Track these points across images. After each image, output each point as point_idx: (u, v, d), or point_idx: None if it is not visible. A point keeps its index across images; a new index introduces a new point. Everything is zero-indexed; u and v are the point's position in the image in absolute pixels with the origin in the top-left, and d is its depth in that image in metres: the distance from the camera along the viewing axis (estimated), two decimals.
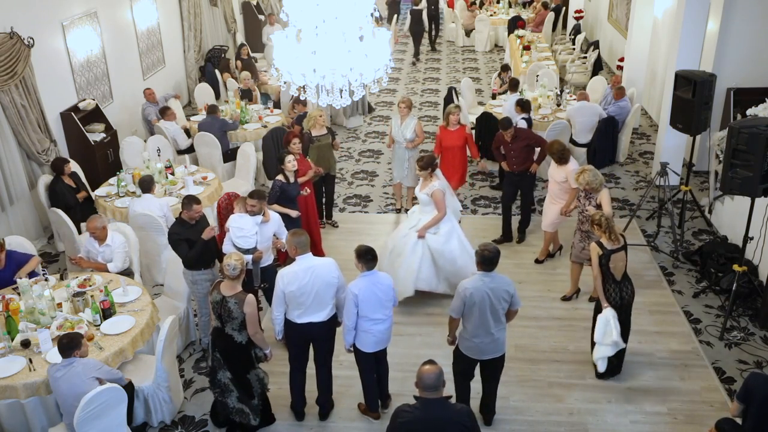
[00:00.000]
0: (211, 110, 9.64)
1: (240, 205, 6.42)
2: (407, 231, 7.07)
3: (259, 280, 6.40)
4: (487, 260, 5.02)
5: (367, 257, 5.23)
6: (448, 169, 8.38)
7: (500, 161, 8.34)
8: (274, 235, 6.50)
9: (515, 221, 8.47)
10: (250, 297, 5.07)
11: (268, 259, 6.46)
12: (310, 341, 5.51)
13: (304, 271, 5.23)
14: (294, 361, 5.58)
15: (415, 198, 7.59)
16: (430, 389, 3.93)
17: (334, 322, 5.48)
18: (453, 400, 4.14)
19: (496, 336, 5.17)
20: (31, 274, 6.25)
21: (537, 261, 7.94)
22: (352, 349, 5.45)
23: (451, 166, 8.42)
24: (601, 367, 5.91)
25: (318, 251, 7.80)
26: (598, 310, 5.93)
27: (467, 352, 5.26)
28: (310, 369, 5.67)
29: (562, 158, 7.27)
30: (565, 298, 7.21)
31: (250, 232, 6.25)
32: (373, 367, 5.55)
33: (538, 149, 8.09)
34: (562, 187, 7.39)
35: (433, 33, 18.12)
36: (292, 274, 5.23)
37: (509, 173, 8.15)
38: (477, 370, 5.43)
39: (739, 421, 4.80)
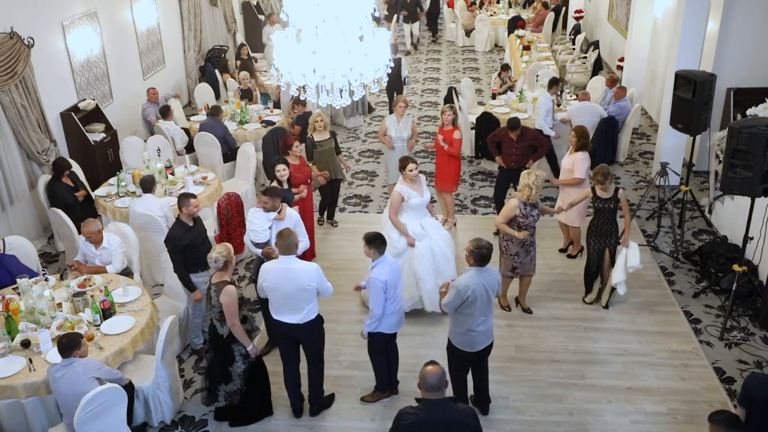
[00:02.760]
0: (214, 112, 9.59)
1: (258, 199, 6.49)
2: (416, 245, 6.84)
3: None
4: (485, 257, 5.19)
5: (377, 242, 5.36)
6: (441, 169, 8.45)
7: (494, 154, 8.36)
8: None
9: None
10: (229, 288, 5.12)
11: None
12: (296, 339, 5.54)
13: (279, 270, 5.27)
14: (282, 356, 5.64)
15: None
16: (433, 389, 3.95)
17: (313, 325, 5.44)
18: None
19: (490, 325, 5.40)
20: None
21: (570, 256, 7.99)
22: (367, 336, 5.53)
23: (445, 166, 8.42)
24: (623, 290, 6.88)
25: (310, 250, 7.80)
26: (598, 258, 6.92)
27: (463, 347, 5.37)
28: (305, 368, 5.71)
29: (584, 145, 7.54)
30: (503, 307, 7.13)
31: (260, 228, 6.30)
32: (385, 350, 5.70)
33: (538, 149, 8.14)
34: (567, 177, 7.56)
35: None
36: (268, 270, 5.32)
37: (504, 169, 8.21)
38: None
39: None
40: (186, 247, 6.08)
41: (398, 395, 5.90)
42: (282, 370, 5.70)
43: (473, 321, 5.23)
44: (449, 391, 5.60)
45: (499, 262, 6.81)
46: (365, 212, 9.31)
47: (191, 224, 6.18)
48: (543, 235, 8.09)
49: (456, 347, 5.39)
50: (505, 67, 12.22)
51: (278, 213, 6.34)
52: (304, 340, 5.52)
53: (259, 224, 6.30)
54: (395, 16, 18.47)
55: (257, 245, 6.32)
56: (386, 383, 5.83)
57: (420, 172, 6.84)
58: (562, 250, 8.05)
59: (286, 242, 5.29)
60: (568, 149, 7.78)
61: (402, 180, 6.78)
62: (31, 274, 6.27)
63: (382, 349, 5.68)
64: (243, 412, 5.64)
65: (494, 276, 5.32)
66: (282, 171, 7.07)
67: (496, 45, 18.28)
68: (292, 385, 5.69)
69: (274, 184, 7.10)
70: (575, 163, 7.48)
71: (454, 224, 8.70)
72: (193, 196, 6.25)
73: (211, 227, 7.74)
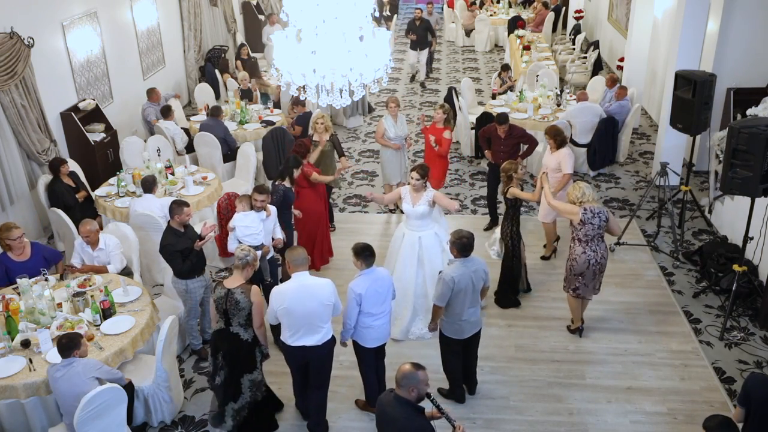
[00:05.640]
0: (214, 112, 9.59)
1: (243, 203, 6.46)
2: (420, 256, 6.57)
3: (269, 273, 6.50)
4: (467, 247, 5.34)
5: (365, 254, 5.24)
6: (432, 166, 8.45)
7: (484, 148, 8.46)
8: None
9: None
10: (256, 287, 5.12)
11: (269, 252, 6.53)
12: (307, 363, 5.30)
13: (296, 289, 5.01)
14: (294, 382, 5.50)
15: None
16: (397, 384, 4.08)
17: (330, 345, 5.23)
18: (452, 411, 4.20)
19: (477, 313, 5.55)
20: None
21: (543, 258, 7.99)
22: (347, 343, 5.48)
23: (431, 163, 8.34)
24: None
25: (326, 254, 7.84)
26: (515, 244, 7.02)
27: (453, 335, 5.54)
28: None
29: (563, 141, 7.59)
30: (572, 330, 6.81)
31: (257, 229, 6.34)
32: (374, 363, 5.58)
33: (525, 146, 8.21)
34: (554, 177, 7.54)
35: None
36: (284, 291, 5.05)
37: (494, 166, 8.24)
38: None
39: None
40: (181, 253, 6.03)
41: None
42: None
43: (461, 310, 5.38)
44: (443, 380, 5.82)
45: (564, 280, 6.57)
46: (365, 212, 9.31)
47: (182, 230, 6.12)
48: (543, 235, 8.10)
49: (446, 336, 5.58)
50: (505, 67, 12.23)
51: (265, 211, 6.41)
52: (318, 363, 5.25)
53: (255, 226, 6.32)
54: (395, 16, 18.47)
55: (254, 248, 6.29)
56: (376, 399, 5.74)
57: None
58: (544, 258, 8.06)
59: (299, 258, 5.08)
60: (547, 149, 7.85)
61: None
62: (57, 257, 6.56)
63: (372, 363, 5.57)
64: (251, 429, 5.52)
65: (480, 266, 5.44)
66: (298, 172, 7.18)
67: (496, 45, 18.29)
68: (303, 395, 5.58)
69: (285, 182, 7.08)
70: (562, 160, 7.50)
71: None
72: (186, 204, 6.19)
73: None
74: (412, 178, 6.57)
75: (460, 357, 5.71)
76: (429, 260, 6.56)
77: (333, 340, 5.25)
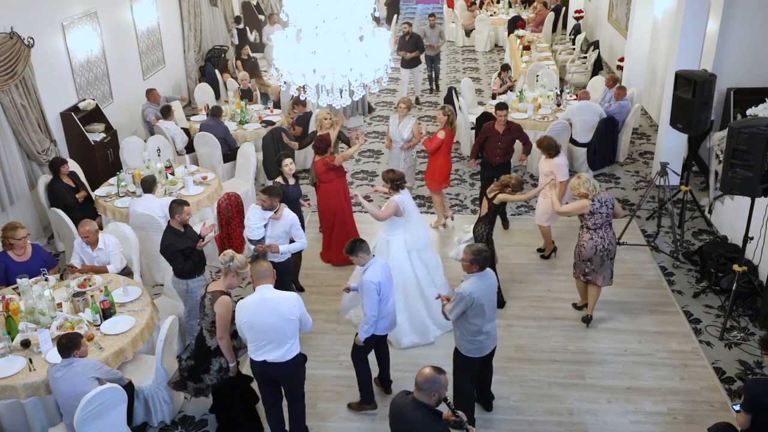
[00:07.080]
0: (215, 112, 9.60)
1: (258, 197, 6.53)
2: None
3: None
4: (483, 261, 5.13)
5: (358, 245, 5.30)
6: (428, 166, 8.54)
7: (474, 154, 8.49)
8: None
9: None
10: (225, 298, 4.97)
11: (277, 256, 6.41)
12: (275, 379, 5.14)
13: (257, 303, 4.83)
14: (264, 400, 5.27)
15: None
16: (417, 386, 4.04)
17: (296, 364, 5.01)
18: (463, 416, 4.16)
19: (494, 328, 5.35)
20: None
21: (543, 256, 8.00)
22: (363, 342, 5.45)
23: (430, 163, 8.48)
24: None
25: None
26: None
27: (473, 354, 5.25)
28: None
29: (556, 152, 7.58)
30: (578, 306, 7.01)
31: (254, 225, 6.35)
32: (367, 353, 5.61)
33: (523, 144, 8.29)
34: (543, 181, 7.55)
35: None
36: (246, 305, 4.85)
37: (488, 165, 8.28)
38: None
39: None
40: (182, 252, 6.03)
41: (391, 394, 5.86)
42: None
43: (482, 326, 5.16)
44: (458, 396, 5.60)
45: (573, 266, 6.71)
46: (365, 212, 9.27)
47: (183, 230, 6.12)
48: (539, 235, 8.09)
49: (465, 355, 5.27)
50: (505, 67, 12.23)
51: (275, 213, 6.36)
52: (287, 380, 5.10)
53: (254, 221, 6.36)
54: (395, 16, 18.44)
55: (251, 242, 6.40)
56: (371, 394, 5.71)
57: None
58: (545, 257, 8.05)
59: (261, 270, 4.89)
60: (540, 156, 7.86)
61: None
62: (52, 262, 6.54)
63: (366, 356, 5.57)
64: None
65: (493, 279, 5.26)
66: (290, 165, 7.09)
67: (496, 45, 18.28)
68: (277, 425, 5.32)
69: (279, 179, 7.10)
70: (555, 168, 7.50)
71: (446, 220, 8.74)
72: (186, 203, 6.19)
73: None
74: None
75: (476, 379, 5.49)
76: (395, 265, 6.33)
77: (300, 357, 5.03)
